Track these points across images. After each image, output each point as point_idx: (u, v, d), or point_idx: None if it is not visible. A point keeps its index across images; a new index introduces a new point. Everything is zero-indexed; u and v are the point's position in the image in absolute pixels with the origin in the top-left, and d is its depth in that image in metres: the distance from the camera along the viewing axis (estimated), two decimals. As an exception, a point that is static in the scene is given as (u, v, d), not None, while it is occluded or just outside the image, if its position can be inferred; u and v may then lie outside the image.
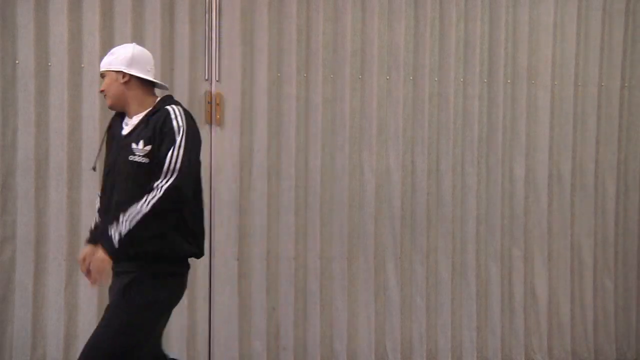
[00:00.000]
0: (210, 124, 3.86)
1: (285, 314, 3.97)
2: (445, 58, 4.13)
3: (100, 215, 2.75)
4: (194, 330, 3.87)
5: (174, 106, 2.63)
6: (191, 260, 3.78)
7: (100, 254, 2.48)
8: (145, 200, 2.46)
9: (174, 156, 2.51)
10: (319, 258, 4.01)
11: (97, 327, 2.57)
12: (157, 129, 2.55)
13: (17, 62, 3.65)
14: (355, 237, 4.05)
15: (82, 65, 3.69)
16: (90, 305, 3.72)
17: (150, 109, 2.65)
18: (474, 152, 4.17)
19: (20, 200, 3.66)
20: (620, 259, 4.39)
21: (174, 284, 2.69)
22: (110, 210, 2.58)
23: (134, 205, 2.46)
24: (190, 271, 3.80)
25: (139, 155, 2.54)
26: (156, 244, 2.54)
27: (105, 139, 2.81)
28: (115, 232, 2.46)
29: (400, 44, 4.06)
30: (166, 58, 3.78)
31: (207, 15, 3.84)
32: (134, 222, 2.45)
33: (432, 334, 4.16)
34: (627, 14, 4.31)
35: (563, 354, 4.31)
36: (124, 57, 2.68)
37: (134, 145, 2.56)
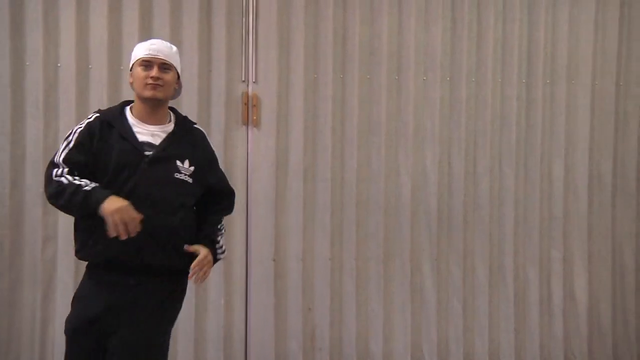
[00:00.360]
0: (247, 125, 3.88)
1: (321, 314, 3.97)
2: (483, 59, 4.09)
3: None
4: (230, 330, 3.90)
5: (199, 127, 2.73)
6: (228, 261, 3.86)
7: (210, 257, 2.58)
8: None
9: (224, 179, 2.75)
10: (355, 259, 4.01)
11: (137, 344, 2.43)
12: (199, 152, 2.59)
13: (58, 65, 3.72)
14: (391, 238, 4.04)
15: (121, 67, 3.74)
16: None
17: (173, 122, 2.60)
18: (512, 153, 4.13)
19: (61, 200, 3.72)
20: (663, 261, 4.30)
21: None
22: (151, 228, 2.40)
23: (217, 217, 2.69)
24: (227, 271, 3.89)
25: (185, 174, 2.51)
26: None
27: (81, 140, 2.49)
28: (219, 245, 2.66)
29: (437, 45, 4.04)
30: (204, 60, 3.82)
31: (244, 18, 3.87)
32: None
33: (469, 337, 4.12)
34: (670, 11, 4.23)
35: (604, 359, 4.23)
36: (179, 63, 2.64)
37: (179, 163, 2.50)
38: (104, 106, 3.72)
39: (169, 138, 2.53)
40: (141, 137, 2.50)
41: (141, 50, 2.54)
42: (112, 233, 2.28)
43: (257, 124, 3.90)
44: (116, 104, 3.65)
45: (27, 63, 3.69)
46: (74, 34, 3.70)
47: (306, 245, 3.96)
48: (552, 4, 4.14)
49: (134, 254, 2.39)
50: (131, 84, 2.57)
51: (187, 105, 3.71)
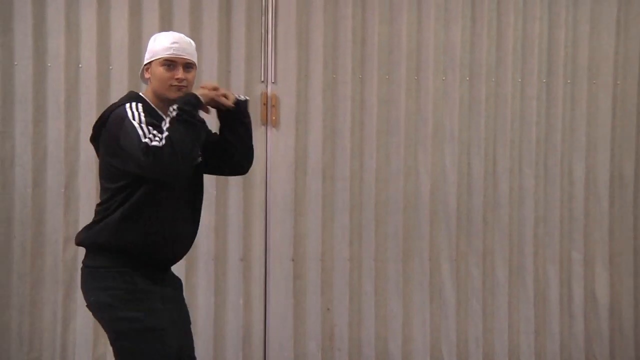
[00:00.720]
0: (266, 125, 3.89)
1: (340, 315, 3.97)
2: (503, 58, 4.07)
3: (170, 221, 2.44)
4: (249, 330, 3.91)
5: None
6: (246, 261, 3.87)
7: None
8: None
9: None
10: (374, 259, 4.00)
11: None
12: None
13: (80, 66, 3.74)
14: (411, 238, 4.02)
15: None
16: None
17: None
18: (532, 154, 4.10)
19: (82, 200, 3.75)
20: (685, 263, 4.25)
21: None
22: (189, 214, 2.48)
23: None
24: (246, 271, 3.90)
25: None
26: None
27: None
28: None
29: (457, 44, 4.02)
30: (223, 60, 3.83)
31: (263, 18, 3.88)
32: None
33: (488, 338, 4.10)
34: (693, 10, 4.18)
35: (625, 361, 4.20)
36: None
37: None
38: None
39: None
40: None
41: (163, 48, 2.41)
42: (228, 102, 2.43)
43: (276, 124, 3.90)
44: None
45: (49, 64, 3.72)
46: (95, 35, 3.73)
47: (325, 245, 3.96)
48: (573, 2, 4.10)
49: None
50: (148, 79, 2.47)
51: (207, 105, 3.72)
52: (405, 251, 4.02)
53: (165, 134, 2.17)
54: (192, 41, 2.50)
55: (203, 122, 2.32)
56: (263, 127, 3.88)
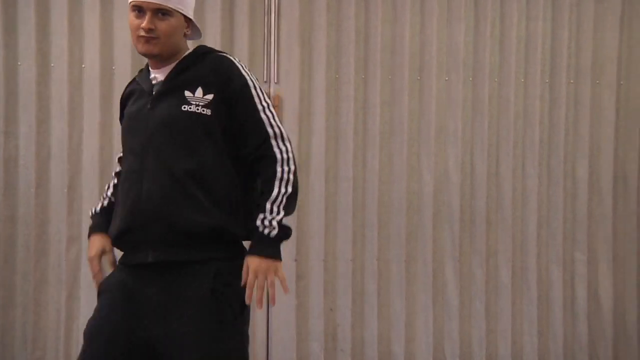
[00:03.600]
0: (269, 125, 3.88)
1: (343, 315, 3.97)
2: (506, 58, 4.06)
3: (129, 208, 2.03)
4: (252, 330, 3.89)
5: (225, 54, 2.12)
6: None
7: (272, 265, 1.94)
8: (279, 178, 1.98)
9: (271, 117, 2.05)
10: (377, 260, 3.99)
11: None
12: (220, 75, 2.02)
13: (83, 66, 3.75)
14: (414, 239, 4.02)
15: (145, 69, 3.77)
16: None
17: (183, 58, 2.09)
18: (535, 154, 4.09)
19: (85, 200, 3.75)
20: (690, 264, 4.23)
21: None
22: (166, 187, 1.97)
23: (268, 186, 1.97)
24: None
25: (199, 105, 1.99)
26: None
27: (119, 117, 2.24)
28: (271, 228, 1.94)
29: (460, 45, 4.02)
30: (226, 61, 3.84)
31: (266, 18, 3.88)
32: (282, 208, 1.95)
33: (491, 339, 4.09)
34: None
35: (629, 362, 4.19)
36: (192, 2, 2.11)
37: (187, 93, 2.00)
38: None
39: (174, 69, 2.06)
40: (157, 87, 2.08)
41: None
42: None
43: (279, 125, 3.89)
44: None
45: (52, 64, 3.73)
46: (98, 35, 3.74)
47: (328, 245, 3.95)
48: (577, 2, 4.09)
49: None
50: None
51: (210, 105, 3.73)
52: (408, 252, 4.01)
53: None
54: None
55: None
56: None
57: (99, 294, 2.11)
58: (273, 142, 2.02)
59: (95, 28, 3.74)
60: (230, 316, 1.96)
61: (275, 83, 3.89)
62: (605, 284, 4.16)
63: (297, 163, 2.06)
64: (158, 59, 2.07)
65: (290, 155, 2.03)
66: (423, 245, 4.02)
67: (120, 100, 2.24)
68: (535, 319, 4.11)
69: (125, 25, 3.69)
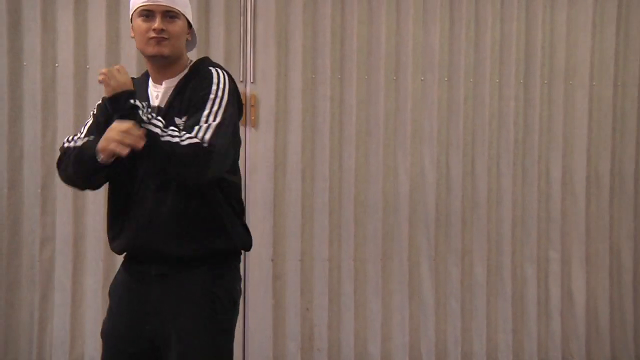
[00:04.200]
0: (245, 125, 3.88)
1: (319, 315, 3.97)
2: (481, 59, 4.09)
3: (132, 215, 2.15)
4: (229, 330, 3.89)
5: (217, 68, 2.17)
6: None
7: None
8: (177, 136, 1.97)
9: (214, 107, 2.05)
10: (353, 260, 4.01)
11: None
12: (194, 95, 2.09)
13: (56, 65, 3.71)
14: (390, 238, 4.04)
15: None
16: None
17: (186, 71, 2.18)
18: (510, 154, 4.13)
19: (59, 201, 3.72)
20: (661, 262, 4.31)
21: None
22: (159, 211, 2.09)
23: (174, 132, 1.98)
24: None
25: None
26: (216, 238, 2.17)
27: (92, 125, 2.22)
28: (148, 115, 1.99)
29: (435, 45, 4.04)
30: (202, 60, 3.82)
31: (242, 17, 3.87)
32: (165, 142, 1.95)
33: (467, 337, 4.12)
34: (668, 13, 4.24)
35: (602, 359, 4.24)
36: (190, 8, 2.21)
37: (177, 120, 2.08)
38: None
39: (173, 92, 2.14)
40: (155, 102, 2.15)
41: None
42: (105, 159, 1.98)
43: (255, 124, 3.89)
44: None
45: (25, 63, 3.68)
46: (72, 34, 3.70)
47: (304, 245, 3.95)
48: (550, 4, 4.14)
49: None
50: (134, 38, 2.17)
51: (186, 105, 3.71)
52: (384, 251, 4.03)
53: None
54: None
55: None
56: (242, 127, 3.87)
57: (109, 293, 2.28)
58: (203, 123, 2.01)
59: (69, 26, 3.70)
60: (223, 315, 2.17)
61: (252, 83, 3.88)
62: (578, 282, 4.22)
63: (175, 151, 1.95)
64: (165, 62, 2.13)
65: (207, 136, 1.98)
66: (399, 245, 4.04)
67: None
68: (509, 317, 4.15)
69: (100, 23, 3.69)
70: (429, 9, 4.03)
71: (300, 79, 3.91)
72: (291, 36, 3.92)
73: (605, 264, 4.24)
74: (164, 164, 1.99)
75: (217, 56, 3.82)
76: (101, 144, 1.96)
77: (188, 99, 2.10)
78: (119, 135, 1.90)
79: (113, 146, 1.91)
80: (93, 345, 3.74)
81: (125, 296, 2.20)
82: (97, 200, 3.72)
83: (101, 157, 1.98)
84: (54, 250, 3.73)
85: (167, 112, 2.10)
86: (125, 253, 2.24)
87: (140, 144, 1.90)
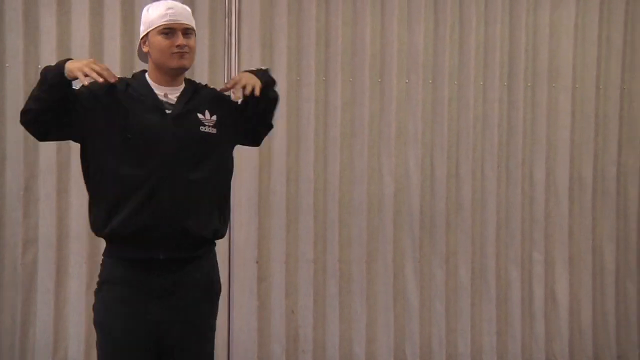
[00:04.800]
0: (230, 127, 3.87)
1: (305, 317, 3.97)
2: (465, 61, 4.12)
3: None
4: (213, 332, 3.88)
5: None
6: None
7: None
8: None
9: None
10: (338, 261, 4.01)
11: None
12: (215, 101, 2.44)
13: (39, 66, 3.67)
14: (374, 240, 4.04)
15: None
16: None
17: (185, 85, 2.44)
18: (494, 156, 4.15)
19: (42, 203, 3.69)
20: (642, 263, 4.34)
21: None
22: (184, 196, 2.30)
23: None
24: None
25: (208, 126, 2.36)
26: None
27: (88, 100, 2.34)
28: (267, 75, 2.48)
29: (420, 47, 4.05)
30: (186, 62, 3.81)
31: (226, 20, 3.86)
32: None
33: (451, 339, 4.14)
34: (649, 16, 4.28)
35: (584, 360, 4.28)
36: None
37: (200, 116, 2.36)
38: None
39: (184, 94, 2.40)
40: (170, 101, 2.38)
41: (159, 16, 2.32)
42: (84, 81, 2.16)
43: (240, 126, 3.88)
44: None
45: (7, 65, 3.65)
46: (54, 35, 3.67)
47: (289, 247, 3.95)
48: (533, 7, 4.17)
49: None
50: (147, 53, 2.37)
51: (170, 107, 3.69)
52: (369, 253, 4.04)
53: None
54: (186, 6, 2.43)
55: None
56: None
57: (104, 283, 2.39)
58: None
59: (52, 28, 3.67)
60: (216, 304, 2.52)
61: (236, 84, 3.87)
62: (561, 284, 4.25)
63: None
64: (181, 72, 2.40)
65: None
66: (384, 246, 4.05)
67: (93, 88, 2.27)
68: (494, 319, 4.17)
69: (83, 24, 3.67)
70: (414, 11, 4.05)
71: (285, 81, 3.91)
72: (275, 38, 3.92)
73: (588, 265, 4.27)
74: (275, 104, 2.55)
75: (202, 58, 3.81)
76: (71, 64, 2.19)
77: (208, 104, 2.43)
78: (91, 64, 2.18)
79: (86, 68, 2.16)
80: (76, 348, 3.71)
81: (126, 289, 2.31)
82: (80, 202, 3.70)
83: (67, 72, 2.18)
84: (37, 252, 3.70)
85: (189, 108, 2.37)
86: (126, 242, 2.31)
87: (110, 78, 2.19)
